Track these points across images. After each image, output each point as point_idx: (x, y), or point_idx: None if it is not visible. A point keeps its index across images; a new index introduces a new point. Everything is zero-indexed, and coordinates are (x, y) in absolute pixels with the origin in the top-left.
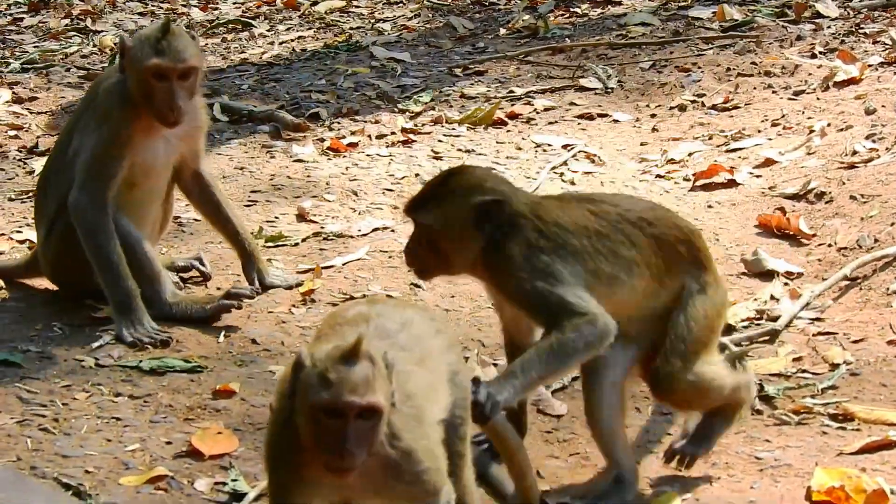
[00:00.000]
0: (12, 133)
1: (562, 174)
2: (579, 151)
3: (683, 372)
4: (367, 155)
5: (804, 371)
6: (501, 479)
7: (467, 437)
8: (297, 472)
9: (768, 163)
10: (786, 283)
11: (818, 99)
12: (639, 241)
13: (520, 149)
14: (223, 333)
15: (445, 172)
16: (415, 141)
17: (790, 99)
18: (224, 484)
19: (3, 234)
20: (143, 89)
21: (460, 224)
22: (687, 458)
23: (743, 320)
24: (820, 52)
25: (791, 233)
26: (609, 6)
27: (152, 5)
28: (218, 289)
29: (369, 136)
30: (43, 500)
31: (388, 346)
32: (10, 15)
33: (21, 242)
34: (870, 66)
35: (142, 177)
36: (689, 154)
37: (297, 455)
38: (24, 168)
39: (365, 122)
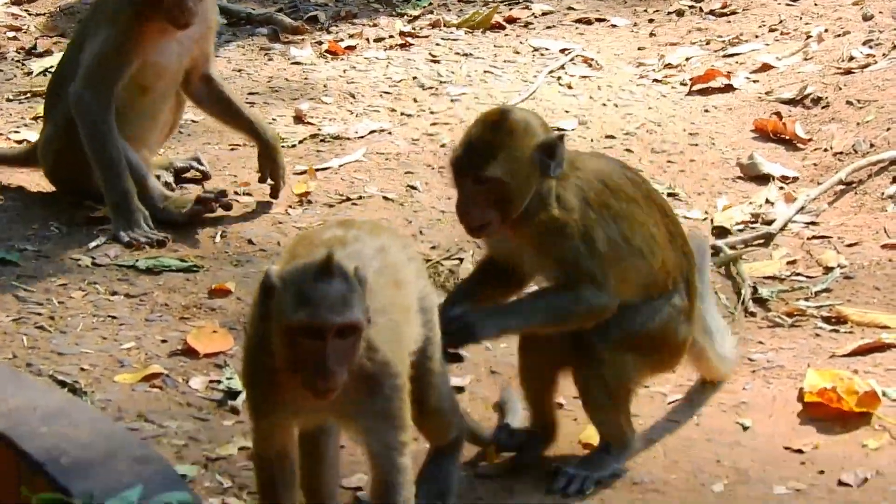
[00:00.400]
0: (10, 34)
1: (559, 78)
2: (577, 56)
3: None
4: (365, 58)
5: (798, 274)
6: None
7: (437, 358)
8: (274, 396)
9: (765, 68)
10: (781, 188)
11: (815, 5)
12: (660, 224)
13: (517, 52)
14: (219, 234)
15: (488, 121)
16: (413, 45)
17: (788, 5)
18: (219, 382)
19: (1, 135)
20: None
21: (526, 169)
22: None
23: (738, 223)
24: None
25: (787, 137)
26: None
27: None
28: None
29: (367, 39)
30: (38, 395)
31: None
32: None
33: (19, 143)
34: None
35: (154, 79)
36: (687, 59)
37: (274, 378)
38: (22, 69)
39: (363, 25)
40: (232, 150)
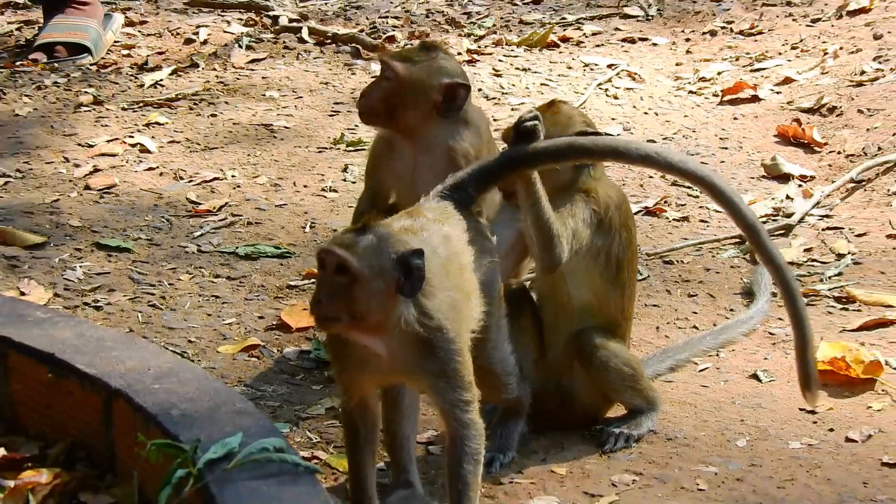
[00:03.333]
0: (125, 52)
1: (606, 90)
2: (622, 70)
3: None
4: None
5: (814, 260)
6: None
7: (497, 327)
8: (346, 355)
9: (787, 81)
10: (799, 185)
11: (832, 26)
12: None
13: (570, 68)
14: (309, 224)
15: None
16: (478, 60)
17: (808, 26)
18: (308, 353)
19: (117, 139)
20: None
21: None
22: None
23: (761, 216)
24: None
25: (805, 141)
26: None
27: None
28: None
29: None
30: (151, 357)
31: (431, 255)
32: None
33: (132, 146)
34: None
35: None
36: (718, 73)
37: (345, 340)
38: (135, 82)
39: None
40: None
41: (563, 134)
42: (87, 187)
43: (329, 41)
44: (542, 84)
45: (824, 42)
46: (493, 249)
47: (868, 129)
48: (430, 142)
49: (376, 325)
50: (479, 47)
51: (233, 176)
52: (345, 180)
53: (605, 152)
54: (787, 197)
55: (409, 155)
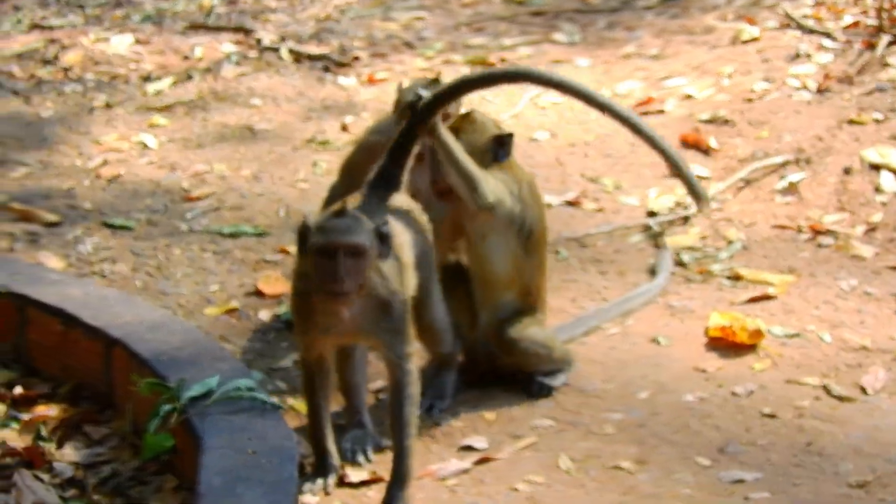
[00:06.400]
0: (132, 66)
1: (536, 103)
2: None
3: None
4: (394, 85)
5: (708, 245)
6: None
7: (432, 291)
8: (310, 317)
9: (688, 97)
10: None
11: (728, 52)
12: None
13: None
14: (283, 210)
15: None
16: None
17: (707, 51)
18: (279, 315)
19: (124, 137)
20: None
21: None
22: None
23: (665, 208)
24: (731, 18)
25: (704, 147)
26: None
27: None
28: None
29: (395, 72)
30: (145, 312)
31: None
32: None
33: (136, 143)
34: (767, 28)
35: None
36: (631, 90)
37: (309, 303)
38: (140, 90)
39: (393, 62)
40: (294, 150)
41: (480, 138)
42: (98, 176)
43: (304, 59)
44: (482, 98)
45: (720, 65)
46: (426, 226)
47: (756, 138)
48: None
49: (360, 290)
50: (430, 66)
51: (220, 169)
52: (314, 174)
53: (479, 81)
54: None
55: None
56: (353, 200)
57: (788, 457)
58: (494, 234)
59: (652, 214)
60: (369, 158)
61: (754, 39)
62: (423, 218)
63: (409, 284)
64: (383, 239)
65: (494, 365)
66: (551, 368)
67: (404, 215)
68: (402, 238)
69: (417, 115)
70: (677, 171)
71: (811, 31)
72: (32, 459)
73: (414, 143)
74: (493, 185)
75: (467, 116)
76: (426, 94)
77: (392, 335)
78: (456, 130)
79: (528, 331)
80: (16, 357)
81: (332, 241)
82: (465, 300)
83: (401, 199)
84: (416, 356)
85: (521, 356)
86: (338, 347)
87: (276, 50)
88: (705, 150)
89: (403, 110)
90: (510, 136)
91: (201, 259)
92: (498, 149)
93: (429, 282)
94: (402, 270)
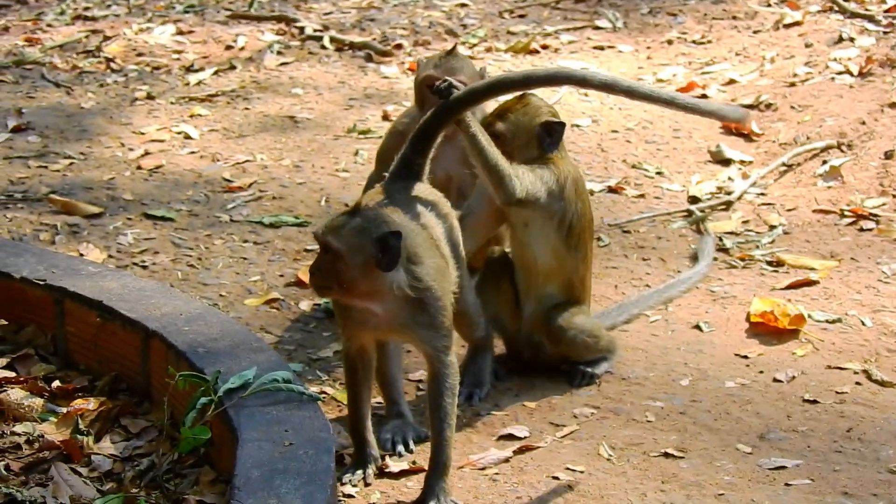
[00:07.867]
0: (175, 56)
1: (578, 89)
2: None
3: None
4: None
5: (750, 230)
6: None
7: (464, 281)
8: (346, 313)
9: (731, 82)
10: (739, 168)
11: (770, 36)
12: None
13: None
14: (324, 199)
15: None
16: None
17: (749, 36)
18: (319, 305)
19: (165, 128)
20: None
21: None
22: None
23: (707, 194)
24: (774, 2)
25: (745, 132)
26: None
27: None
28: None
29: None
30: (183, 304)
31: (419, 230)
32: None
33: (178, 134)
34: (809, 12)
35: None
36: (673, 75)
37: (346, 305)
38: (182, 80)
39: (435, 50)
40: (335, 139)
41: (532, 122)
42: (139, 167)
43: (346, 48)
44: None
45: (763, 49)
46: (451, 213)
47: (798, 122)
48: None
49: (368, 293)
50: (473, 53)
51: (261, 159)
52: (356, 163)
53: (517, 83)
54: (729, 178)
55: None
56: (376, 194)
57: (829, 443)
58: (534, 225)
59: (694, 200)
60: (401, 144)
61: (797, 23)
62: (448, 206)
63: (452, 279)
64: (385, 248)
65: (537, 356)
66: (596, 357)
67: (431, 206)
68: (437, 231)
69: (447, 108)
70: (712, 115)
71: (854, 15)
72: (70, 453)
73: (439, 132)
74: (527, 180)
75: (523, 98)
76: (460, 85)
77: (429, 329)
78: (505, 111)
79: (576, 319)
80: (53, 350)
81: (318, 234)
82: (508, 292)
83: (423, 188)
84: (454, 347)
85: (568, 345)
86: (378, 342)
87: (318, 38)
88: (747, 135)
89: (435, 92)
90: (561, 124)
91: (242, 249)
92: (546, 136)
93: (461, 269)
94: (441, 268)
